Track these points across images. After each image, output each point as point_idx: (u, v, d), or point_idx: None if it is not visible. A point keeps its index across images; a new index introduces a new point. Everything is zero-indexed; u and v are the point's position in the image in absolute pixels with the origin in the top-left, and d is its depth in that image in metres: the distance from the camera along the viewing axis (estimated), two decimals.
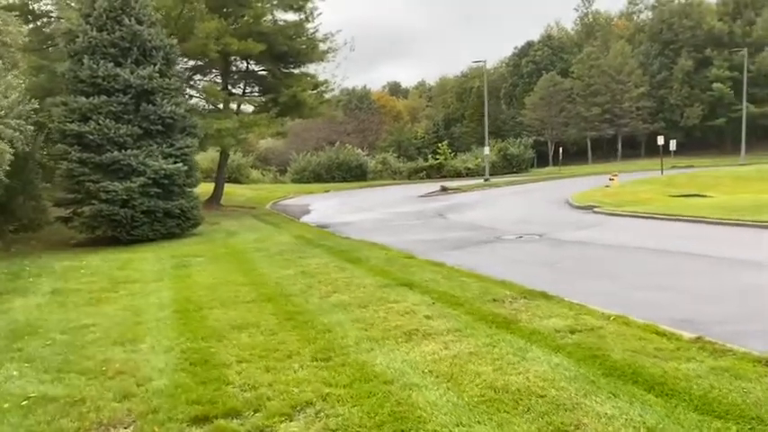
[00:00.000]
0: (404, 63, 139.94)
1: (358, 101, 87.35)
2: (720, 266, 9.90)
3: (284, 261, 11.68)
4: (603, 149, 74.30)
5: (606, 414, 3.92)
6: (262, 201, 34.72)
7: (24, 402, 4.81)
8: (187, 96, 21.19)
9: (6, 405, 4.77)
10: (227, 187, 32.67)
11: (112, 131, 15.11)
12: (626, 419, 3.84)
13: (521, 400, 4.23)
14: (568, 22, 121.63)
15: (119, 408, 4.60)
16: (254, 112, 28.32)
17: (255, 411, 4.39)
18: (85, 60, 15.18)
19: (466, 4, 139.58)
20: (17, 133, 14.56)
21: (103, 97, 15.26)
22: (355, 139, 71.76)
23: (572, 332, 5.89)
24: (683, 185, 28.48)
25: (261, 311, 7.52)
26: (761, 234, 13.44)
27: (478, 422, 3.90)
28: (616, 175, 31.09)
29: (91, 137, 15.01)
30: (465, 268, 9.93)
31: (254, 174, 51.89)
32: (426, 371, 4.97)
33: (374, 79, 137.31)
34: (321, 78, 28.55)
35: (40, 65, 22.26)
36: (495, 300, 7.45)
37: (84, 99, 15.19)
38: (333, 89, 29.14)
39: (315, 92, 27.41)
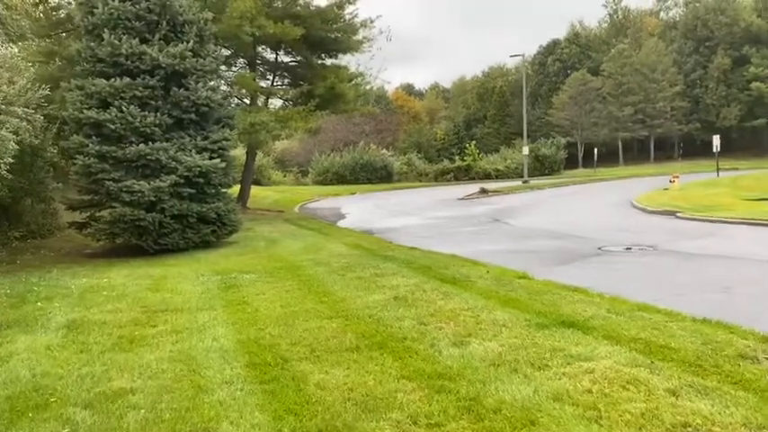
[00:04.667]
0: (413, 66, 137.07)
1: (375, 100, 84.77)
2: None
3: (359, 280, 9.15)
4: (634, 151, 71.47)
5: None
6: (288, 203, 32.34)
7: None
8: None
9: None
10: (251, 189, 30.30)
11: (138, 120, 12.60)
12: None
13: None
14: (591, 21, 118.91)
15: None
16: (283, 107, 25.92)
17: None
18: (106, 35, 12.69)
19: (470, 9, 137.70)
20: (24, 123, 12.21)
21: (127, 79, 12.75)
22: (373, 139, 69.28)
23: None
24: (752, 188, 25.88)
25: (381, 370, 4.98)
26: None
27: None
28: (677, 177, 28.42)
29: (112, 126, 12.50)
30: (615, 296, 7.40)
31: (276, 175, 49.45)
32: None
33: (383, 83, 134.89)
34: (354, 70, 26.17)
35: (50, 50, 19.91)
36: (742, 356, 4.89)
37: (103, 82, 12.70)
38: (369, 82, 26.62)
39: (351, 84, 24.89)
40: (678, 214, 18.04)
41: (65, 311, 7.94)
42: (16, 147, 10.71)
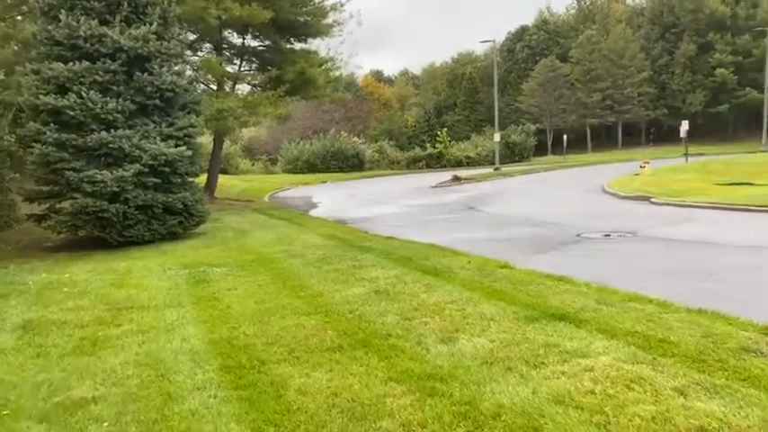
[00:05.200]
0: (382, 53, 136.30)
1: (345, 87, 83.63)
2: None
3: (337, 273, 8.78)
4: (602, 137, 72.11)
5: None
6: (257, 193, 31.70)
7: None
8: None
9: None
10: (219, 178, 29.55)
11: (98, 106, 11.95)
12: None
13: None
14: (559, 7, 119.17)
15: None
16: (251, 93, 25.27)
17: None
18: (62, 16, 11.99)
19: None
20: None
21: (86, 63, 12.08)
22: (343, 127, 68.57)
23: None
24: (723, 173, 26.08)
25: (367, 372, 4.64)
26: None
27: None
28: (648, 162, 28.60)
29: (71, 113, 11.82)
30: (601, 285, 7.17)
31: (243, 164, 48.49)
32: None
33: (354, 69, 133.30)
34: (324, 55, 25.55)
35: (5, 34, 18.98)
36: (746, 349, 4.66)
37: (61, 66, 12.00)
38: (339, 67, 26.04)
39: (321, 69, 24.32)
40: (652, 200, 18.03)
41: (21, 310, 7.43)
42: None
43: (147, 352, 5.54)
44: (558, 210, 17.66)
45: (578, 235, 12.09)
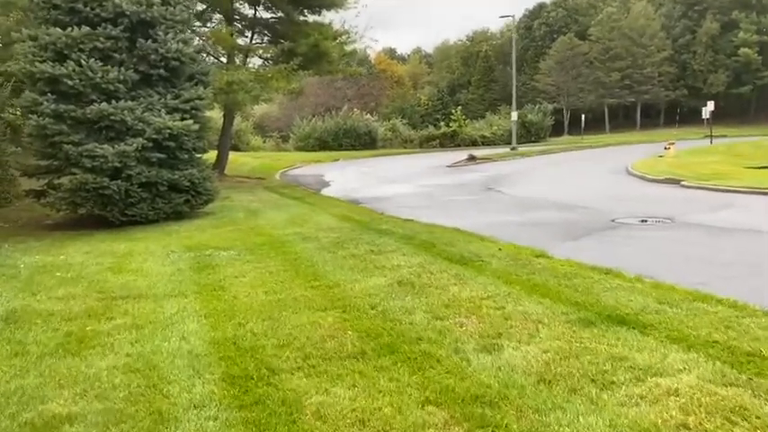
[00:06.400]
0: (395, 31, 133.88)
1: (358, 63, 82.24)
2: None
3: (354, 259, 7.98)
4: (620, 118, 70.61)
5: None
6: (269, 170, 30.90)
7: None
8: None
9: None
10: (229, 155, 28.76)
11: (99, 75, 11.13)
12: None
13: None
14: None
15: None
16: (263, 66, 24.33)
17: None
18: None
19: None
20: None
21: (86, 29, 11.24)
22: (356, 104, 67.50)
23: None
24: (751, 156, 25.08)
25: (398, 389, 3.85)
26: None
27: None
28: (673, 144, 27.54)
29: (69, 82, 11.02)
30: (653, 279, 6.36)
31: (255, 141, 47.62)
32: None
33: (369, 42, 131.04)
34: (338, 28, 24.50)
35: (7, 1, 18.13)
36: None
37: (59, 31, 11.18)
38: (354, 41, 25.01)
39: (336, 42, 23.34)
40: (683, 183, 17.12)
41: (6, 298, 6.71)
42: None
43: (140, 353, 4.78)
44: (583, 192, 16.76)
45: (612, 220, 11.25)
